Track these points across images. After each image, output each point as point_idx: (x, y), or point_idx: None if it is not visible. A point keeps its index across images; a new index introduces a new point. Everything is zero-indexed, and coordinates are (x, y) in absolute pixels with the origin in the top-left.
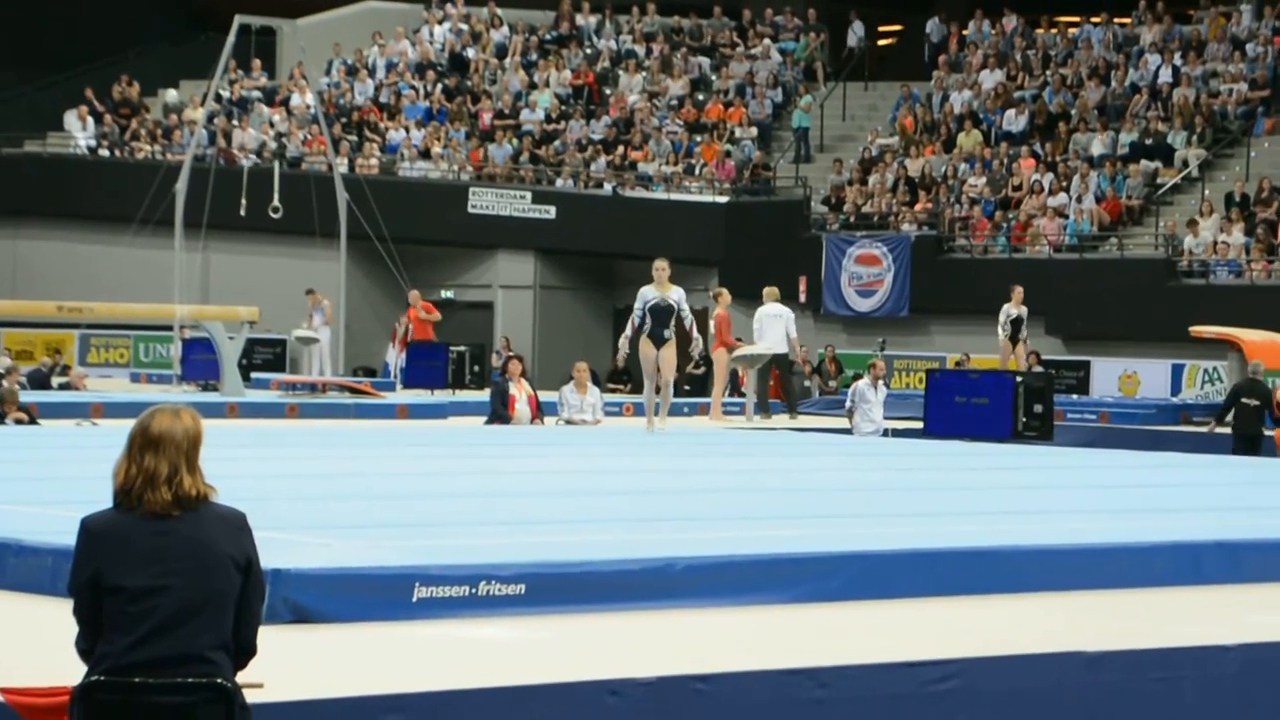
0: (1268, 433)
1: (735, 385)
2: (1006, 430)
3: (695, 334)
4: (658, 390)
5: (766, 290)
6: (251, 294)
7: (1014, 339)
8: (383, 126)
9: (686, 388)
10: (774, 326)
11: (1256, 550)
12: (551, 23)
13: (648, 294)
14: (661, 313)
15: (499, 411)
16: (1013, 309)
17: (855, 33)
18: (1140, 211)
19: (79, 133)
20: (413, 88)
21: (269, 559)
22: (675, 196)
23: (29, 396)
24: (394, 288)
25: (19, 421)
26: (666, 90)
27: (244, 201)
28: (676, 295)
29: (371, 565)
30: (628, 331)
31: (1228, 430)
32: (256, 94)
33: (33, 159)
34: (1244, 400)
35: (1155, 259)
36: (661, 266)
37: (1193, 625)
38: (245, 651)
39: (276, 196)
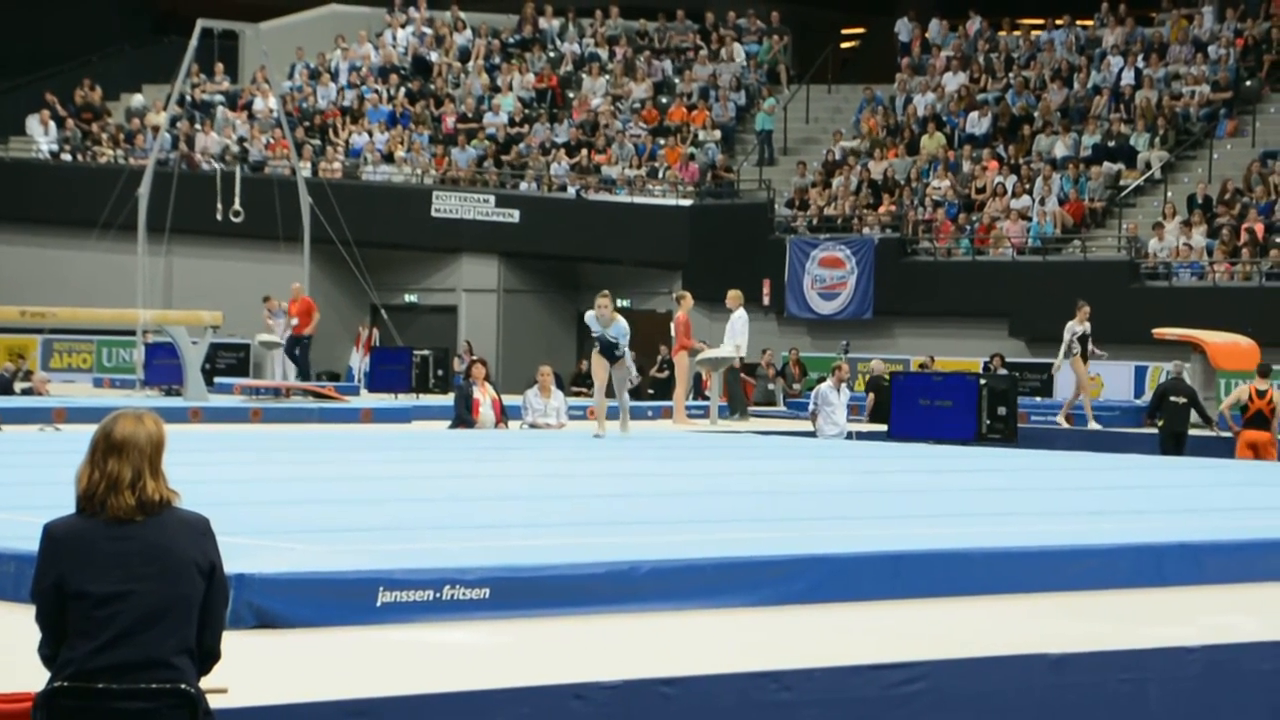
0: (1194, 432)
1: (699, 388)
2: (971, 433)
3: (632, 369)
4: (609, 395)
5: (734, 294)
6: (215, 298)
7: (1084, 355)
8: (345, 130)
9: (650, 391)
10: (745, 330)
11: (1218, 552)
12: (514, 26)
13: (592, 325)
14: (607, 345)
15: (463, 416)
16: (1078, 325)
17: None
18: (1103, 213)
19: (41, 137)
20: (375, 91)
21: (232, 564)
22: (639, 200)
23: None
24: (358, 292)
25: None
26: (630, 93)
27: (219, 206)
28: (616, 331)
29: (335, 570)
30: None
31: (1155, 430)
32: (219, 98)
33: None
34: (1171, 399)
35: (1118, 261)
36: (604, 303)
37: (1156, 626)
38: (209, 657)
39: (238, 200)
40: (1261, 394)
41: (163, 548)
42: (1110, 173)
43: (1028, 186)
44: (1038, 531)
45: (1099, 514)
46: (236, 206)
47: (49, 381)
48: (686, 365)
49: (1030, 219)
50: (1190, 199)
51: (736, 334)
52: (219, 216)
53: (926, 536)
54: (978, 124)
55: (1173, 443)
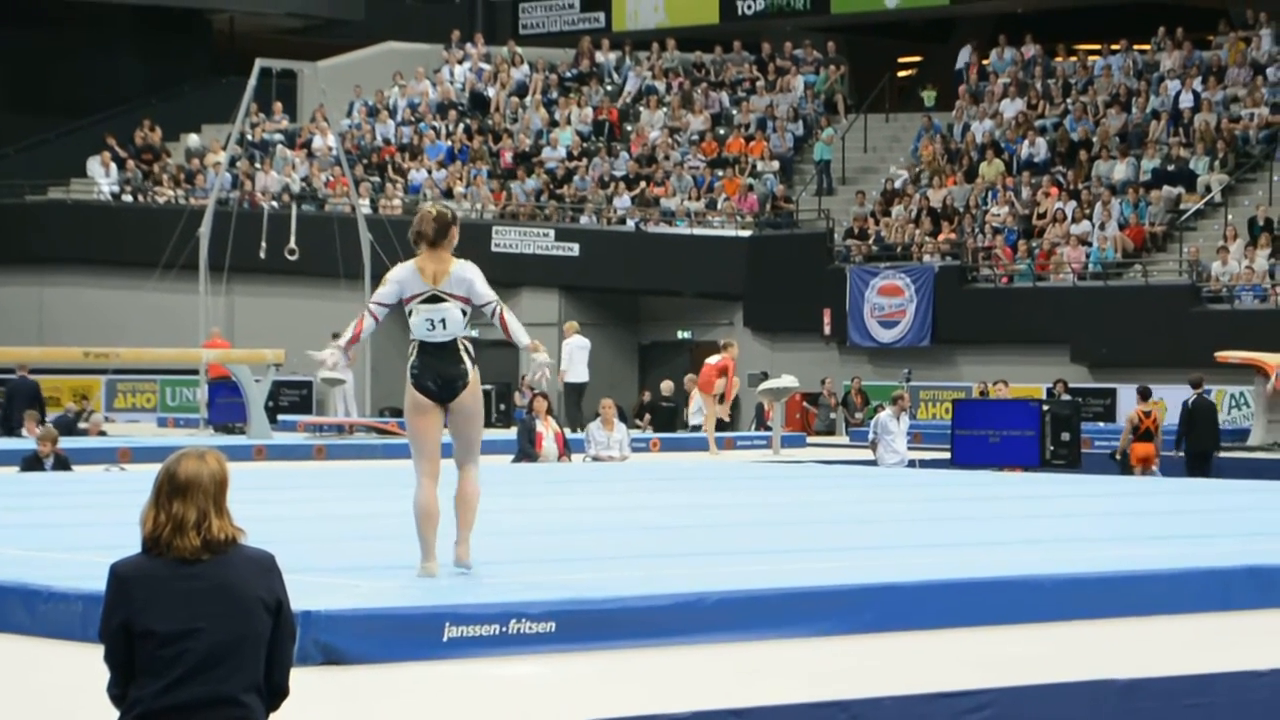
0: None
1: (761, 419)
2: (1034, 459)
3: None
4: None
5: (570, 324)
6: (277, 336)
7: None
8: (405, 167)
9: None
10: (581, 357)
11: None
12: (571, 60)
13: None
14: None
15: (526, 449)
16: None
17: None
18: (1164, 238)
19: (102, 179)
20: (434, 128)
21: (299, 600)
22: (698, 231)
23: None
24: None
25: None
26: (687, 125)
27: (264, 244)
28: None
29: (402, 605)
30: None
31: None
32: (278, 137)
33: (57, 206)
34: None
35: (1179, 285)
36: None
37: (1224, 651)
38: (277, 694)
39: (293, 239)
40: (1147, 414)
41: (229, 585)
42: (1170, 197)
43: (1087, 212)
44: (1103, 557)
45: (1163, 539)
46: (292, 245)
47: (106, 421)
48: (714, 402)
49: (1090, 244)
50: (1251, 222)
51: (576, 360)
52: (262, 254)
53: (992, 564)
54: (1036, 150)
55: (1200, 464)
